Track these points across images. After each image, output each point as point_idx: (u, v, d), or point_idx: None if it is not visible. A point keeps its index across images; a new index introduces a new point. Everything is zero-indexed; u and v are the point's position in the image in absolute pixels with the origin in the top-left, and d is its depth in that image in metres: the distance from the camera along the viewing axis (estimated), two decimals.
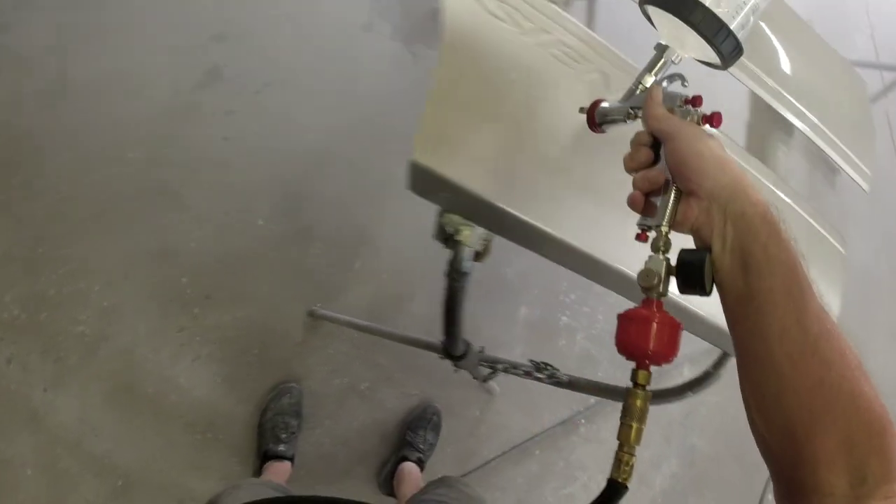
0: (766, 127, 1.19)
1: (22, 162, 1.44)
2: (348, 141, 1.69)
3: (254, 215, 1.55)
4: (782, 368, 0.43)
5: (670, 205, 0.51)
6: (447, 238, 0.85)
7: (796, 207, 1.06)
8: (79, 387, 1.42)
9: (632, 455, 0.47)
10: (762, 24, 1.14)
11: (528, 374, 1.15)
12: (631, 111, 0.59)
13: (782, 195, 1.05)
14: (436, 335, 1.72)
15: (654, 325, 0.48)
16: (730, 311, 0.48)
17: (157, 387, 1.45)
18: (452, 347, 0.97)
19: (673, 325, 0.49)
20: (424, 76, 1.80)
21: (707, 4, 0.52)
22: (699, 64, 0.63)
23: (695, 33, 0.53)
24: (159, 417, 1.44)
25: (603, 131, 0.65)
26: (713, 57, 0.56)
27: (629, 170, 0.56)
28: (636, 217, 0.56)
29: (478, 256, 0.88)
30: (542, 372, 1.15)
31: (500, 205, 0.75)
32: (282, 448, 1.44)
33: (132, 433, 1.42)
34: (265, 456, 1.44)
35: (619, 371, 1.92)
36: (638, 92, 0.60)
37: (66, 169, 1.46)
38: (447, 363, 1.23)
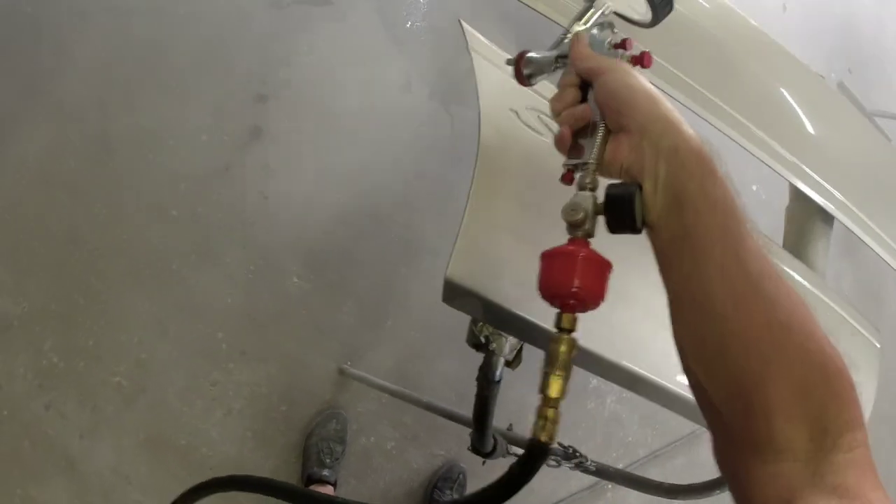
0: (805, 216, 1.16)
1: (62, 215, 1.48)
2: (383, 200, 1.71)
3: (288, 272, 1.58)
4: (724, 311, 0.40)
5: (598, 142, 0.49)
6: (478, 345, 0.86)
7: (832, 305, 1.04)
8: (114, 436, 1.45)
9: (556, 409, 0.44)
10: (782, 91, 1.10)
11: (555, 463, 1.14)
12: (558, 60, 0.58)
13: (819, 293, 1.03)
14: (464, 398, 1.73)
15: (580, 259, 0.45)
16: (663, 254, 0.45)
17: (189, 439, 1.48)
18: (482, 446, 0.97)
19: (601, 263, 0.46)
20: (461, 135, 1.81)
21: None
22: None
23: None
24: (190, 470, 1.47)
25: (532, 84, 0.62)
26: (643, 13, 0.55)
27: (555, 111, 0.54)
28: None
29: (509, 364, 0.88)
30: (570, 459, 1.13)
31: (532, 319, 0.75)
32: (325, 473, 1.46)
33: (163, 484, 1.44)
34: (308, 479, 1.46)
35: (647, 434, 1.90)
36: (566, 41, 0.57)
37: (105, 225, 1.49)
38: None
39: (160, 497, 1.43)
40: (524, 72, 0.60)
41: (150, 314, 1.50)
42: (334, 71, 1.77)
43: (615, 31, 0.57)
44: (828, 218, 1.16)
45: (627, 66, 0.51)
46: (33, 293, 1.43)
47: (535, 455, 0.43)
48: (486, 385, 0.84)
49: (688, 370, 0.44)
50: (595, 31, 0.57)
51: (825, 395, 0.38)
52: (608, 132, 0.49)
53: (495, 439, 0.98)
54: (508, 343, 0.85)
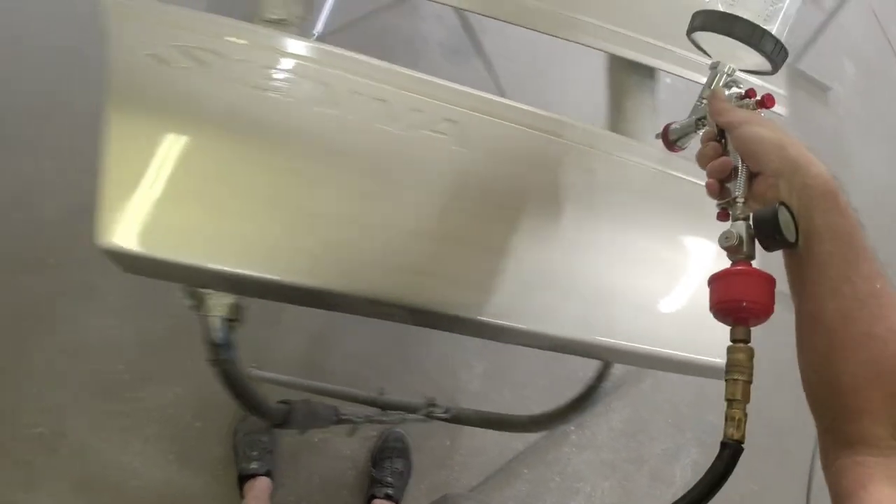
0: (624, 81, 0.99)
1: None
2: None
3: (168, 289, 1.52)
4: (833, 324, 0.47)
5: (742, 181, 0.57)
6: (194, 307, 0.78)
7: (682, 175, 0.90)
8: (50, 485, 1.46)
9: (741, 410, 0.48)
10: None
11: (399, 420, 1.05)
12: (698, 122, 0.66)
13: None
14: (385, 373, 1.64)
15: (747, 276, 0.51)
16: (792, 276, 0.52)
17: (118, 474, 1.47)
18: (262, 416, 0.88)
19: (767, 278, 0.51)
20: None
21: (745, 16, 0.58)
22: None
23: (740, 44, 0.59)
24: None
25: (682, 148, 0.71)
26: (762, 63, 0.61)
27: (702, 164, 0.62)
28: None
29: (232, 322, 0.79)
30: (417, 412, 1.04)
31: (221, 268, 0.68)
32: (254, 465, 1.42)
33: None
34: (240, 477, 1.43)
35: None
36: (702, 105, 0.65)
37: None
38: None
39: None
40: (671, 139, 0.70)
41: (49, 360, 1.49)
42: None
43: (740, 87, 0.64)
44: (648, 74, 0.99)
45: (757, 117, 0.59)
46: None
47: (733, 453, 0.48)
48: (214, 350, 0.76)
49: (804, 379, 0.50)
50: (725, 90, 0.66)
51: None
52: (750, 172, 0.57)
53: (289, 407, 0.90)
54: (222, 301, 0.76)
